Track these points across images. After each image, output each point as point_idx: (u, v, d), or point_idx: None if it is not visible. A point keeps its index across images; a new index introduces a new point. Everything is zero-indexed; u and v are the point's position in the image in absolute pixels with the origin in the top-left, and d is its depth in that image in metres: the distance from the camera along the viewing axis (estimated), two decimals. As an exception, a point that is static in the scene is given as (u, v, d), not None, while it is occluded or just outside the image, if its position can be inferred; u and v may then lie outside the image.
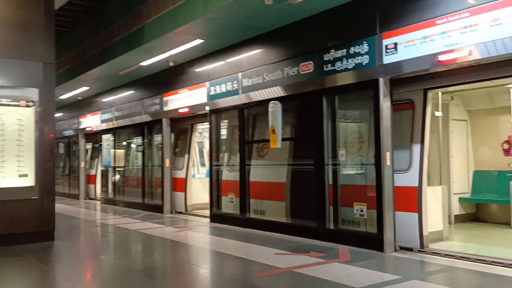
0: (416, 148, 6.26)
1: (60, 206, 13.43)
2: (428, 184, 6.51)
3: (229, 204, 9.34)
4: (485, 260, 5.50)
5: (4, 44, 7.37)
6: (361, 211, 6.67)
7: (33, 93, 7.50)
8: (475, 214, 8.71)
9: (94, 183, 16.36)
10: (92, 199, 16.42)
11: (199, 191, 11.69)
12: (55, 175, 7.94)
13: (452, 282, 4.94)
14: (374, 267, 5.37)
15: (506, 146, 8.29)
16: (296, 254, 6.21)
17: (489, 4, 5.18)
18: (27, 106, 7.45)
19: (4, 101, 7.28)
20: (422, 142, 6.24)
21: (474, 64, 5.53)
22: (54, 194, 7.72)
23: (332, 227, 7.06)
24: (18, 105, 7.37)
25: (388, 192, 6.26)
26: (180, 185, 11.45)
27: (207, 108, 9.84)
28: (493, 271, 5.09)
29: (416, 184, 6.18)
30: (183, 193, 11.36)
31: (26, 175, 7.37)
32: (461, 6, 5.45)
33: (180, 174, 11.51)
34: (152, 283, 5.07)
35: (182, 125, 11.71)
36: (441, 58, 5.59)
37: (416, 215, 6.13)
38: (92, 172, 16.60)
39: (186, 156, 11.55)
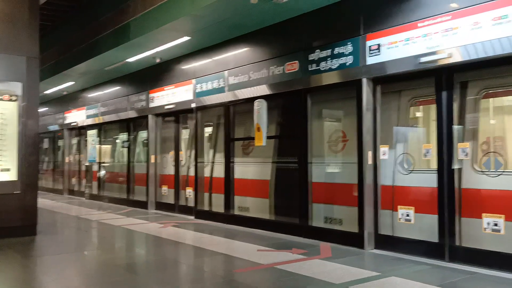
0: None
1: (44, 201, 13.33)
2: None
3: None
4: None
5: (-13, 37, 7.32)
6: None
7: (17, 87, 7.46)
8: None
9: (84, 178, 16.15)
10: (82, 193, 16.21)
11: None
12: (38, 169, 7.90)
13: (430, 279, 5.05)
14: (354, 263, 5.46)
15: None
16: (278, 250, 6.28)
17: (470, 8, 5.29)
18: (11, 100, 7.40)
19: (-13, 94, 7.24)
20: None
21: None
22: (37, 189, 7.68)
23: (314, 224, 7.15)
24: (1, 99, 7.33)
25: (368, 190, 6.35)
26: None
27: (193, 105, 9.85)
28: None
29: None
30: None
31: (8, 170, 7.33)
32: (443, 10, 5.55)
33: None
34: (134, 278, 5.10)
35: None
36: (422, 60, 5.70)
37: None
38: (82, 167, 16.37)
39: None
